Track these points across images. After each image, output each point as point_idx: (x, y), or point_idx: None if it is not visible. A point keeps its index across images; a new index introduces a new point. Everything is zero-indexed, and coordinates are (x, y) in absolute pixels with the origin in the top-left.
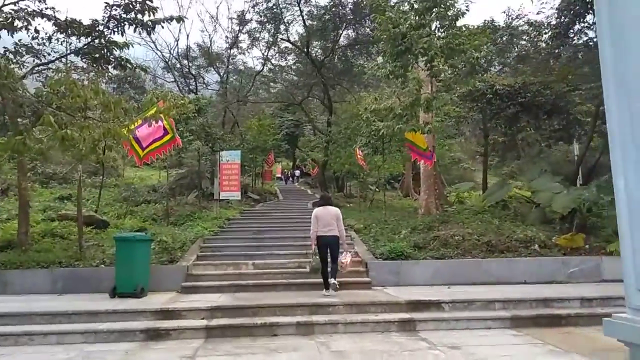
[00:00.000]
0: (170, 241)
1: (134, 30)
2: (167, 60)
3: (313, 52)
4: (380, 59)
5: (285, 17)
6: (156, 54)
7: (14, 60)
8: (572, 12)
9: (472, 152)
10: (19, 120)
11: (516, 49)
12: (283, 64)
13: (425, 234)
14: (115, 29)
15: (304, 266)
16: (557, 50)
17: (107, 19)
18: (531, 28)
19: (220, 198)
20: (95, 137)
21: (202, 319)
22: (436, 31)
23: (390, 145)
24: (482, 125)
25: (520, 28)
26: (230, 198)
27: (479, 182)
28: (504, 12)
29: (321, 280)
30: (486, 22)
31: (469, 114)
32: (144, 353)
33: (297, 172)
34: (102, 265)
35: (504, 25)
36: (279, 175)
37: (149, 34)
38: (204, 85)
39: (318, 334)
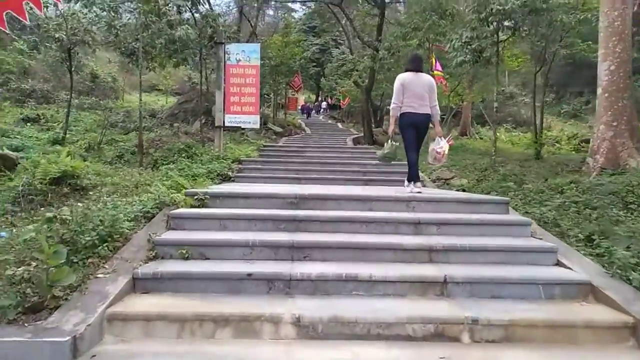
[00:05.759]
0: (74, 228)
1: None
2: None
3: None
4: None
5: None
6: None
7: None
8: None
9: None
10: None
11: None
12: None
13: None
14: None
15: (460, 337)
16: None
17: None
18: None
19: (226, 125)
20: None
21: None
22: None
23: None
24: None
25: None
26: (243, 125)
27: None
28: None
29: None
30: None
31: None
32: None
33: (324, 104)
34: None
35: None
36: (299, 108)
37: None
38: None
39: None
